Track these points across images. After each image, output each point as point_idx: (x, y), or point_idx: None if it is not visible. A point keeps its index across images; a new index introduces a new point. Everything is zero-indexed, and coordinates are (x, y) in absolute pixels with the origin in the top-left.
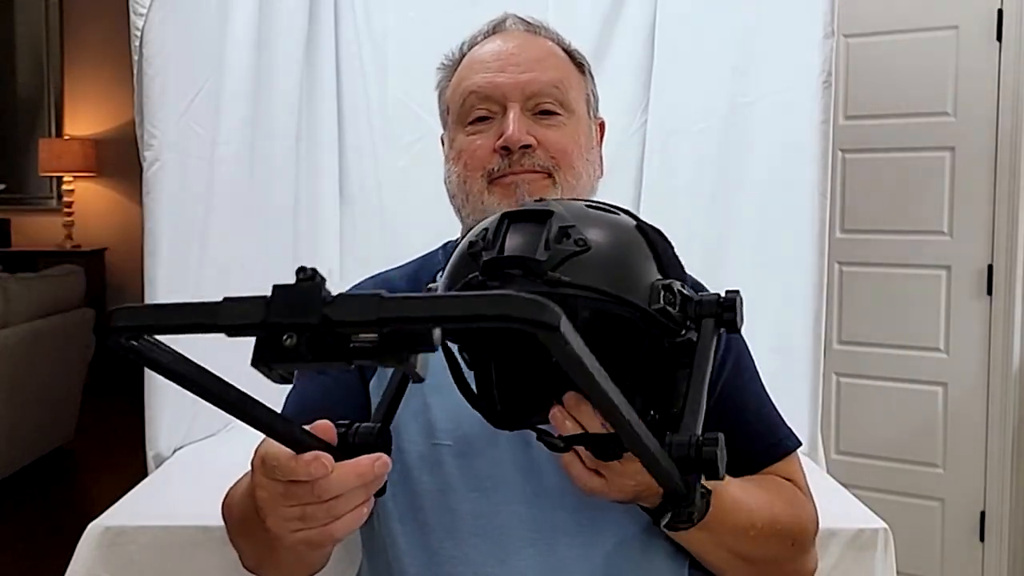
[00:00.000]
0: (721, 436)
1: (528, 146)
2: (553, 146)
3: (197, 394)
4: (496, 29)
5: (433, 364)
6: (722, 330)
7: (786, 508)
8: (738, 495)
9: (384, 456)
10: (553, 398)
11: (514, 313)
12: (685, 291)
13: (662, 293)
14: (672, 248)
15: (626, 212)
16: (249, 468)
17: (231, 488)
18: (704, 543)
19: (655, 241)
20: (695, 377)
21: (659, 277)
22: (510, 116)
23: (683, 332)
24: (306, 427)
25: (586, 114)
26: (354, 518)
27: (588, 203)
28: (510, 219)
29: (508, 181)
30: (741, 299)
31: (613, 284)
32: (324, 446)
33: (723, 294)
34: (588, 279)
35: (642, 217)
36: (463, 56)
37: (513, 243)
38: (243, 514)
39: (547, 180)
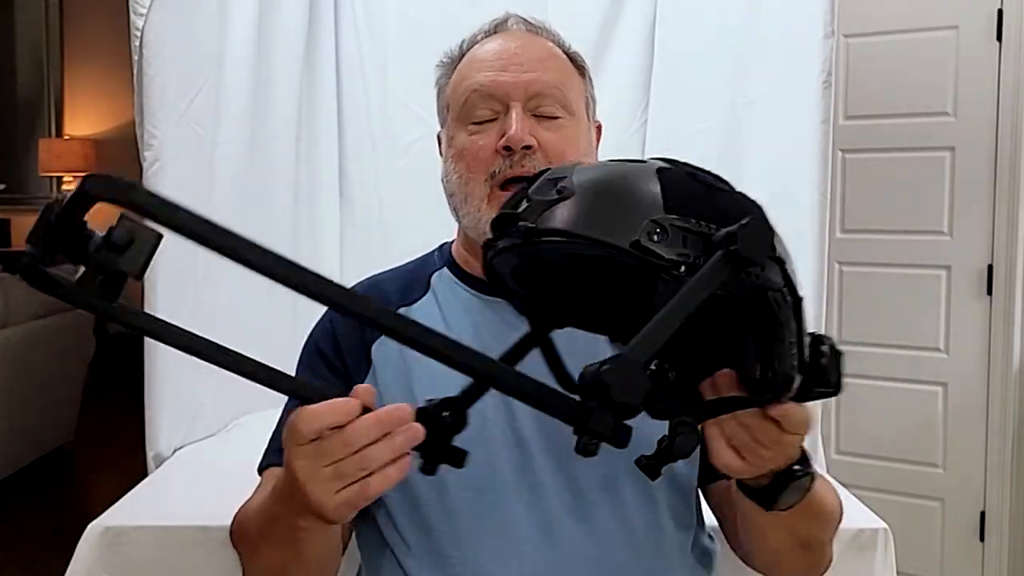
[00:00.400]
0: (616, 367)
1: (529, 147)
2: (553, 149)
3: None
4: (498, 28)
5: (424, 362)
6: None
7: (828, 487)
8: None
9: (406, 405)
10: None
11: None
12: (690, 226)
13: (648, 228)
14: (710, 191)
15: (671, 161)
16: (257, 480)
17: (240, 510)
18: (789, 525)
19: (672, 180)
20: (670, 305)
21: (662, 215)
22: (513, 116)
23: (680, 269)
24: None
25: (585, 117)
26: (388, 474)
27: (625, 159)
28: (527, 183)
29: (510, 189)
30: (760, 226)
31: (588, 225)
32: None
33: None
34: (563, 223)
35: None
36: (463, 54)
37: (506, 202)
38: (264, 521)
39: None
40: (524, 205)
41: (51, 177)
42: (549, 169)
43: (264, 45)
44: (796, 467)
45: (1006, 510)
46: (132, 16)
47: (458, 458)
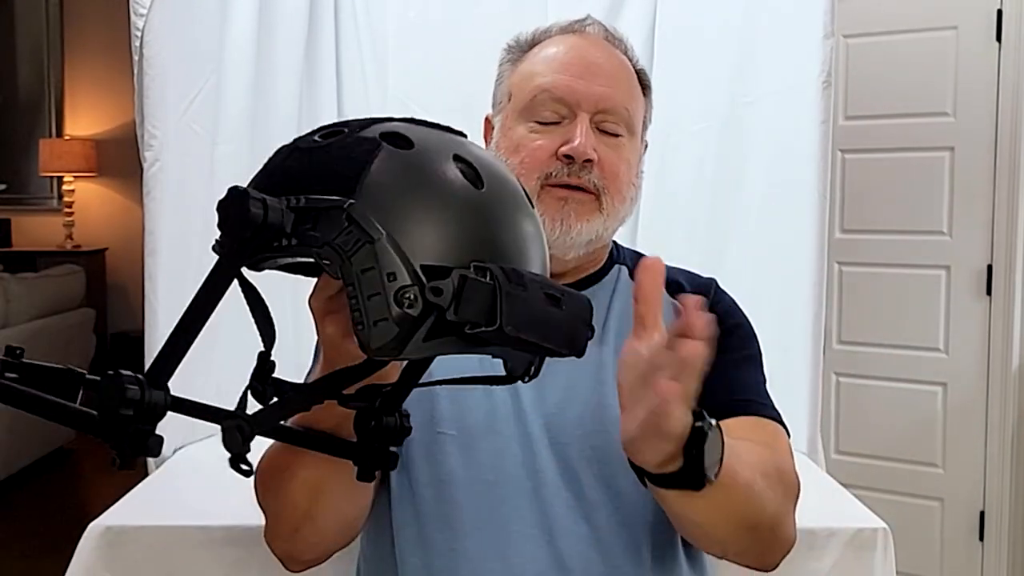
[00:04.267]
0: None
1: (590, 160)
2: (609, 166)
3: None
4: (575, 28)
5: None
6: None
7: (755, 451)
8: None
9: None
10: None
11: None
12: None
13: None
14: (292, 151)
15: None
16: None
17: (262, 457)
18: (719, 509)
19: (270, 159)
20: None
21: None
22: (580, 127)
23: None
24: None
25: (640, 136)
26: None
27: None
28: None
29: (562, 195)
30: (233, 195)
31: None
32: None
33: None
34: None
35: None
36: (534, 43)
37: None
38: (283, 459)
39: (595, 203)
40: None
41: (51, 177)
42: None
43: (264, 45)
44: (696, 423)
45: (1005, 510)
46: (132, 16)
47: (392, 460)
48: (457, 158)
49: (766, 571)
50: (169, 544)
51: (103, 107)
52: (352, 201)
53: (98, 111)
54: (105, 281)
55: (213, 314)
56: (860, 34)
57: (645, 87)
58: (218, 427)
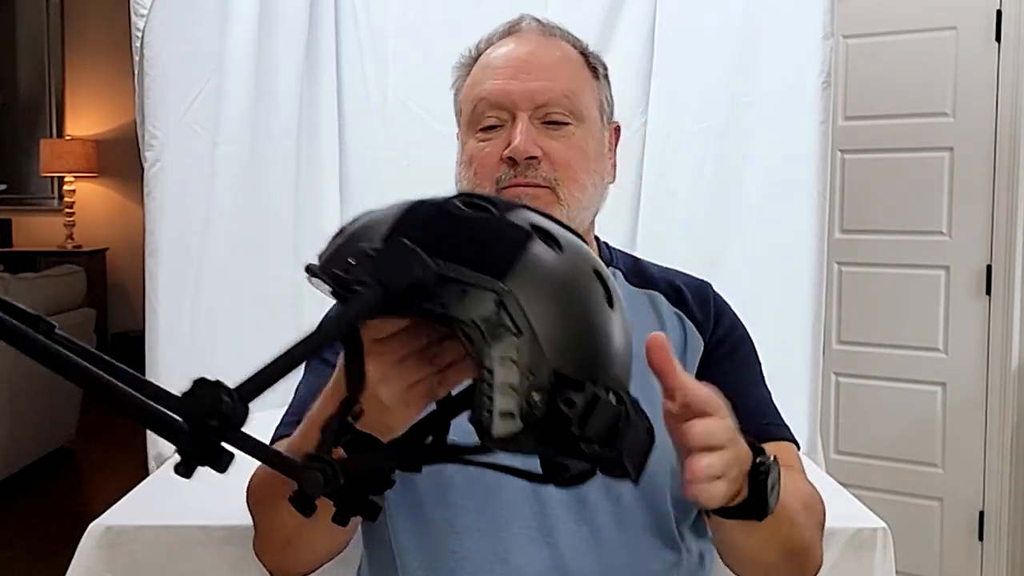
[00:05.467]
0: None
1: (534, 157)
2: (559, 159)
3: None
4: (511, 30)
5: None
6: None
7: (795, 481)
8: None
9: None
10: None
11: None
12: (372, 252)
13: (342, 255)
14: (440, 214)
15: (468, 196)
16: None
17: (260, 467)
18: (771, 535)
19: (412, 211)
20: (299, 337)
21: (364, 244)
22: (518, 127)
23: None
24: None
25: (598, 120)
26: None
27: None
28: None
29: (513, 194)
30: (397, 251)
31: (322, 260)
32: None
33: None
34: (321, 258)
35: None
36: (479, 55)
37: None
38: (276, 477)
39: (551, 196)
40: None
41: (52, 177)
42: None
43: (264, 45)
44: (757, 460)
45: (1005, 510)
46: (133, 17)
47: (372, 511)
48: (596, 273)
49: None
50: (170, 544)
51: (104, 107)
52: (507, 288)
53: (99, 111)
54: (105, 281)
55: (213, 314)
56: (860, 34)
57: (595, 69)
58: None
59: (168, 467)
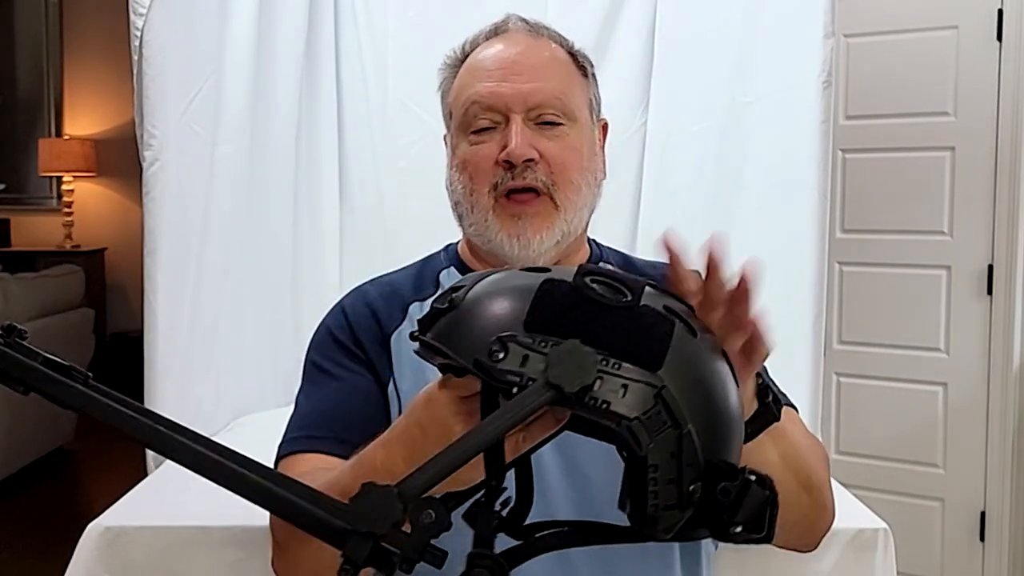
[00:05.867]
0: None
1: (531, 160)
2: (554, 160)
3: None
4: (498, 31)
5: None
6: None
7: (808, 436)
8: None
9: None
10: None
11: None
12: (533, 344)
13: (491, 346)
14: (595, 301)
15: (588, 269)
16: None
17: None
18: (781, 459)
19: (549, 294)
20: (466, 433)
21: (513, 332)
22: (513, 129)
23: (513, 390)
24: None
25: (588, 119)
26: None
27: (533, 267)
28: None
29: (514, 211)
30: (574, 350)
31: (448, 339)
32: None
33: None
34: (433, 335)
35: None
36: (465, 57)
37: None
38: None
39: (549, 205)
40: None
41: (51, 177)
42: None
43: (264, 45)
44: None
45: (1006, 510)
46: (132, 16)
47: (437, 558)
48: (723, 354)
49: (810, 549)
50: (168, 544)
51: (102, 107)
52: (663, 382)
53: (97, 111)
54: (104, 281)
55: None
56: (860, 34)
57: (583, 68)
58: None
59: (167, 467)
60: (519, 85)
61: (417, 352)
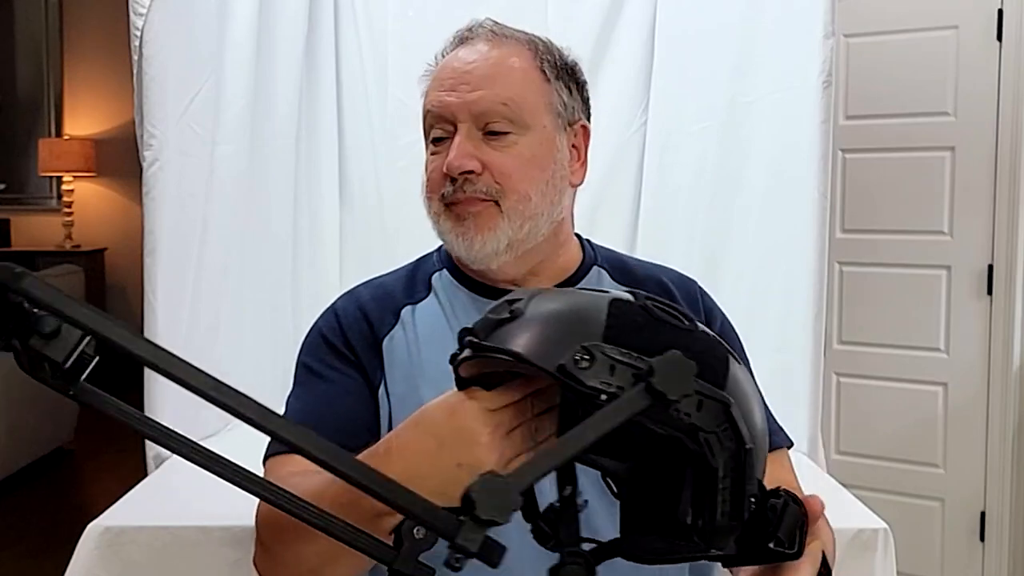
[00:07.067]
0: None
1: (471, 172)
2: (498, 170)
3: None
4: (464, 38)
5: (429, 363)
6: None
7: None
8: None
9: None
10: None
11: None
12: (620, 356)
13: (577, 353)
14: (664, 321)
15: (636, 294)
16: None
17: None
18: None
19: (622, 311)
20: (570, 433)
21: (597, 342)
22: (454, 141)
23: (601, 397)
24: None
25: (552, 124)
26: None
27: (590, 288)
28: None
29: (459, 211)
30: (679, 362)
31: (523, 345)
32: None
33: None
34: (508, 342)
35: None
36: (437, 65)
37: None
38: (334, 508)
39: (493, 208)
40: (479, 321)
41: (51, 177)
42: (512, 291)
43: (264, 45)
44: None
45: (1006, 510)
46: (132, 16)
47: (493, 554)
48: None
49: None
50: (168, 544)
51: (102, 107)
52: (730, 399)
53: (97, 111)
54: (104, 281)
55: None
56: (860, 34)
57: (546, 74)
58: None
59: (167, 467)
60: (465, 95)
61: (461, 360)
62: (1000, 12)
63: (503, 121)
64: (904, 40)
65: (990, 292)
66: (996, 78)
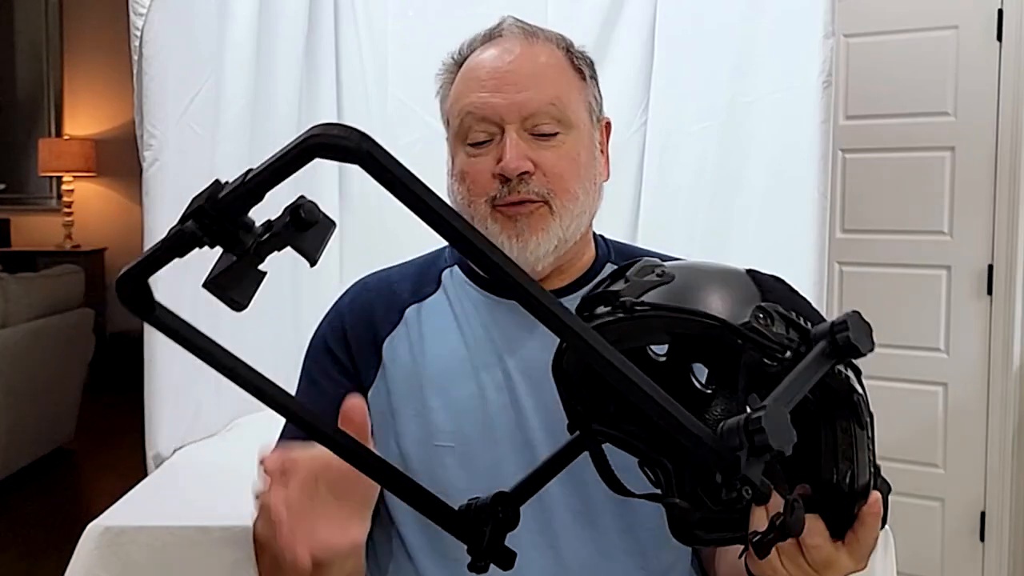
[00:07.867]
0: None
1: (526, 172)
2: (550, 170)
3: (214, 367)
4: (493, 35)
5: (433, 361)
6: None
7: None
8: None
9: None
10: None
11: (314, 142)
12: (792, 316)
13: (753, 311)
14: (794, 295)
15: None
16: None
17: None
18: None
19: (763, 279)
20: (798, 368)
21: (768, 303)
22: (507, 142)
23: (786, 353)
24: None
25: (588, 122)
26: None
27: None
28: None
29: (510, 213)
30: (861, 320)
31: (691, 302)
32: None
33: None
34: (668, 300)
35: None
36: (462, 62)
37: (598, 283)
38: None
39: (545, 209)
40: (622, 284)
41: (51, 177)
42: (642, 259)
43: (264, 45)
44: None
45: (1006, 510)
46: (132, 16)
47: (507, 559)
48: None
49: None
50: (168, 544)
51: (102, 107)
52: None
53: (97, 111)
54: (104, 281)
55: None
56: (860, 34)
57: (580, 71)
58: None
59: (167, 467)
60: (513, 96)
61: (608, 323)
62: (1000, 12)
63: (552, 122)
64: (904, 40)
65: (990, 292)
66: (996, 78)
